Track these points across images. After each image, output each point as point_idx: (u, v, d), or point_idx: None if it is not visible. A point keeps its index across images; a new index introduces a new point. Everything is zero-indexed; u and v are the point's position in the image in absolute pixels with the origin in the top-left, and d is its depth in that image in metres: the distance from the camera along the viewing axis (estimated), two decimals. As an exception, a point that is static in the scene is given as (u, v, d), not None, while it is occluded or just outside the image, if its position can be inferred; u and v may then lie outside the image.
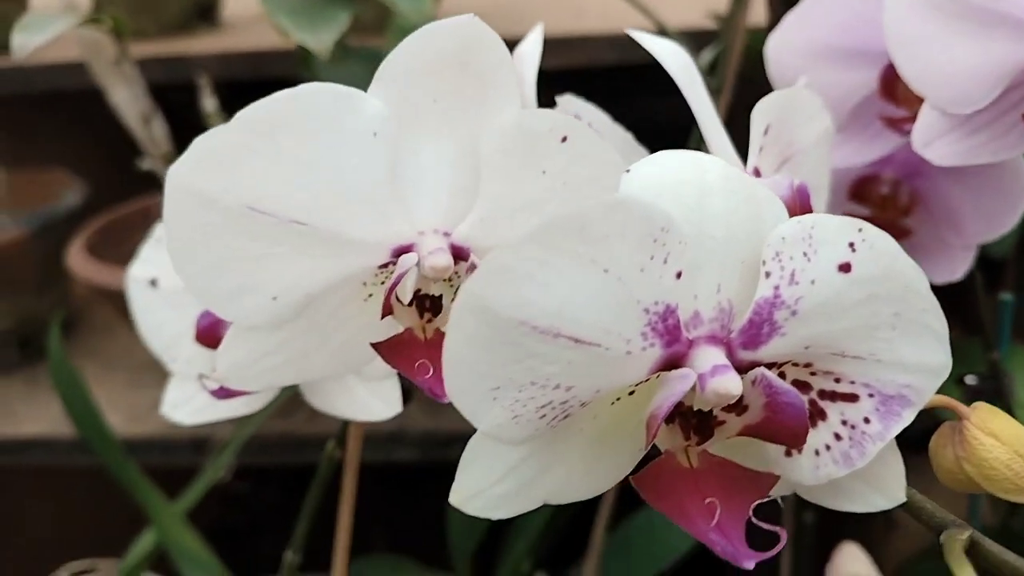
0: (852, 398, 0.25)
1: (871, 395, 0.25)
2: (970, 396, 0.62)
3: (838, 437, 0.25)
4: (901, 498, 0.26)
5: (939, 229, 0.48)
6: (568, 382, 0.23)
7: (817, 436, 0.25)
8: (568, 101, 0.40)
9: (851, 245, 0.24)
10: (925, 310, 0.24)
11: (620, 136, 0.38)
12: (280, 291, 0.30)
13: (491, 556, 0.84)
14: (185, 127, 1.19)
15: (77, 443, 0.82)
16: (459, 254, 0.31)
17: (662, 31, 0.73)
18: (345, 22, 0.78)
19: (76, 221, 1.05)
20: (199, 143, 0.29)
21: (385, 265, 0.31)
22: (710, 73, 0.67)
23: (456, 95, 0.31)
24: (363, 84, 1.01)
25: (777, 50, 0.46)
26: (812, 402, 0.25)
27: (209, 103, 1.11)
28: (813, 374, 0.25)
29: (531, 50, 0.39)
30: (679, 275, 0.23)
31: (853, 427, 0.25)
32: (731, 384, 0.23)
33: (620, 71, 1.04)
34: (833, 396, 0.25)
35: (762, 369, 0.24)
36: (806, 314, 0.24)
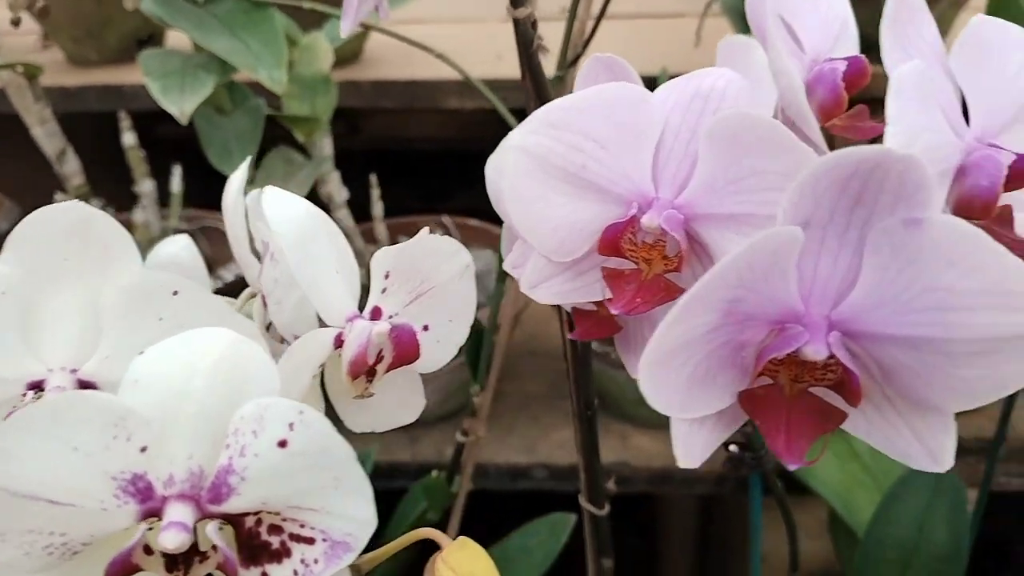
0: (311, 541, 0.31)
1: (324, 539, 0.31)
2: (732, 463, 0.67)
3: (295, 574, 0.31)
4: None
5: (642, 328, 0.54)
6: (60, 530, 0.30)
7: (282, 572, 0.31)
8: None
9: (291, 425, 0.30)
10: (356, 477, 0.30)
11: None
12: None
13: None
14: (120, 154, 1.26)
15: None
16: (88, 387, 0.37)
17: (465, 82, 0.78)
18: (210, 88, 0.84)
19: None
20: None
21: (24, 395, 0.38)
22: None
23: (80, 257, 0.37)
24: (249, 135, 1.06)
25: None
26: (283, 542, 0.31)
27: (128, 137, 1.18)
28: (284, 520, 0.31)
29: (232, 202, 0.44)
30: (144, 449, 0.29)
31: (307, 566, 0.31)
32: (177, 539, 0.29)
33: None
34: (298, 538, 0.31)
35: (212, 525, 0.30)
36: (254, 479, 0.30)
